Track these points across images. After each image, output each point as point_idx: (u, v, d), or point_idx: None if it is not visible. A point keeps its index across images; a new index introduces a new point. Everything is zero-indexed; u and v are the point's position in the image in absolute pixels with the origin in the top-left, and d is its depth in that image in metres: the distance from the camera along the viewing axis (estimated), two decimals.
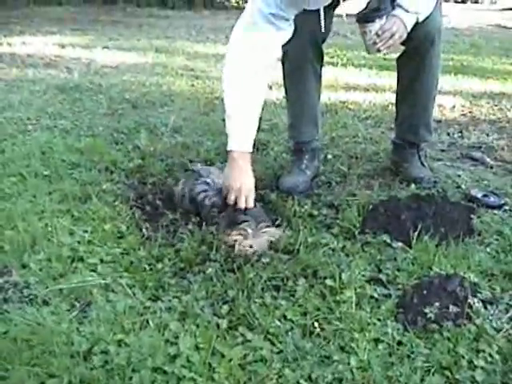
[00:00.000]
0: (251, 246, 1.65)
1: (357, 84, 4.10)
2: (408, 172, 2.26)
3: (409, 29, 1.90)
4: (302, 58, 2.12)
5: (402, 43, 1.97)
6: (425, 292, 1.46)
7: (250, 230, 1.67)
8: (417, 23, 1.94)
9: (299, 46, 2.05)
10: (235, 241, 1.66)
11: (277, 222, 1.85)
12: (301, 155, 2.27)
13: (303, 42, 2.05)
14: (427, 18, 1.96)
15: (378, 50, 1.92)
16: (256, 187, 1.85)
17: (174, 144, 2.63)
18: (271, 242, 1.69)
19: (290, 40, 1.85)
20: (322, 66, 2.24)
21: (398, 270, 1.61)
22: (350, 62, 4.76)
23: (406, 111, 2.28)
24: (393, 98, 2.37)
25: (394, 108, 2.38)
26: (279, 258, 1.64)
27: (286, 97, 2.28)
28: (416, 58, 2.13)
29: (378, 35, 1.88)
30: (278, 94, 3.51)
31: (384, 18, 1.88)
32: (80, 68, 4.54)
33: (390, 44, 1.89)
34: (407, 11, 1.88)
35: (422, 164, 2.30)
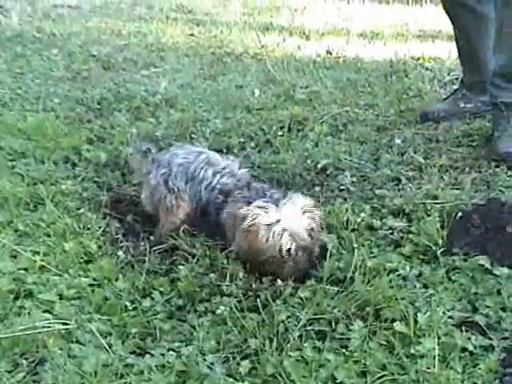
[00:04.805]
0: (278, 221, 1.67)
1: (436, 30, 4.08)
2: (495, 144, 2.27)
3: None
4: None
5: None
6: None
7: (272, 205, 1.70)
8: None
9: None
10: (254, 216, 1.67)
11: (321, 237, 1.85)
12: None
13: None
14: None
15: None
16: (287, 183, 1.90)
17: (167, 123, 2.64)
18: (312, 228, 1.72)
19: None
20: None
21: (503, 309, 1.60)
22: None
23: (498, 58, 2.36)
24: None
25: None
26: (324, 290, 1.64)
27: None
28: None
29: None
30: (319, 48, 3.52)
31: None
32: (21, 8, 4.55)
33: None
34: None
35: None
